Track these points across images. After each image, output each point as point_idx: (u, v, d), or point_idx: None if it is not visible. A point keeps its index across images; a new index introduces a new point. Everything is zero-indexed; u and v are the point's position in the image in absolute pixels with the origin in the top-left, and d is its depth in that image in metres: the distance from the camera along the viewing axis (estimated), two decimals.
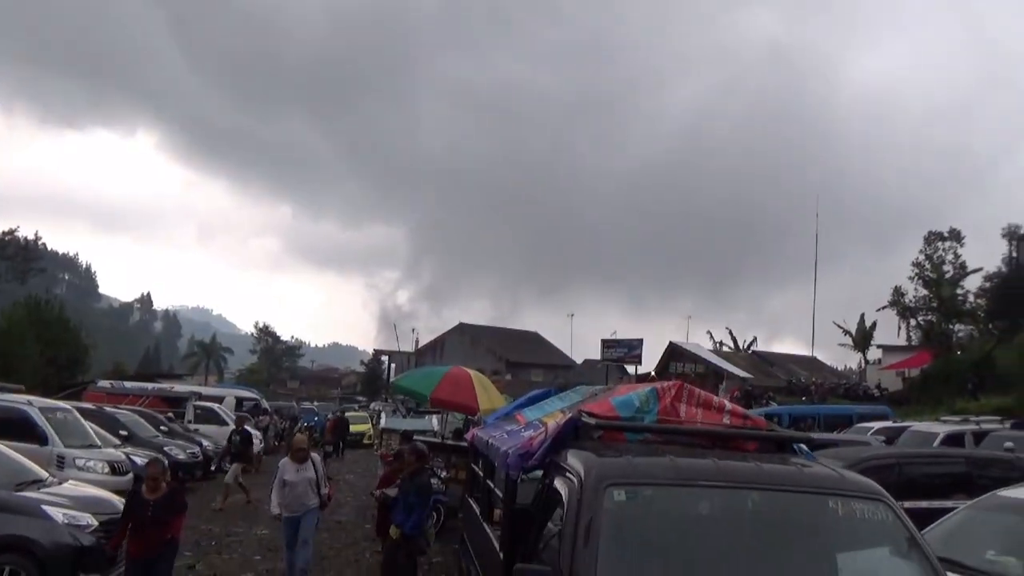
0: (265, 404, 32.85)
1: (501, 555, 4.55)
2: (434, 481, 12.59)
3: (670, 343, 50.72)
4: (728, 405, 4.44)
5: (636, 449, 3.90)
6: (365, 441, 33.73)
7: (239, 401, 29.45)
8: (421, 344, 73.20)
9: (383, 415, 28.24)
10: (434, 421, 18.99)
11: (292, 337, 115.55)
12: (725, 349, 56.72)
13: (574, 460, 3.75)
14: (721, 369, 45.57)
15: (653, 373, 48.29)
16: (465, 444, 13.44)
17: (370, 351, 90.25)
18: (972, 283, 46.11)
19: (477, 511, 6.44)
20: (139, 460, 14.01)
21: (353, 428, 33.87)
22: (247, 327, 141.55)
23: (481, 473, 6.69)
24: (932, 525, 6.34)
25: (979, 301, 46.04)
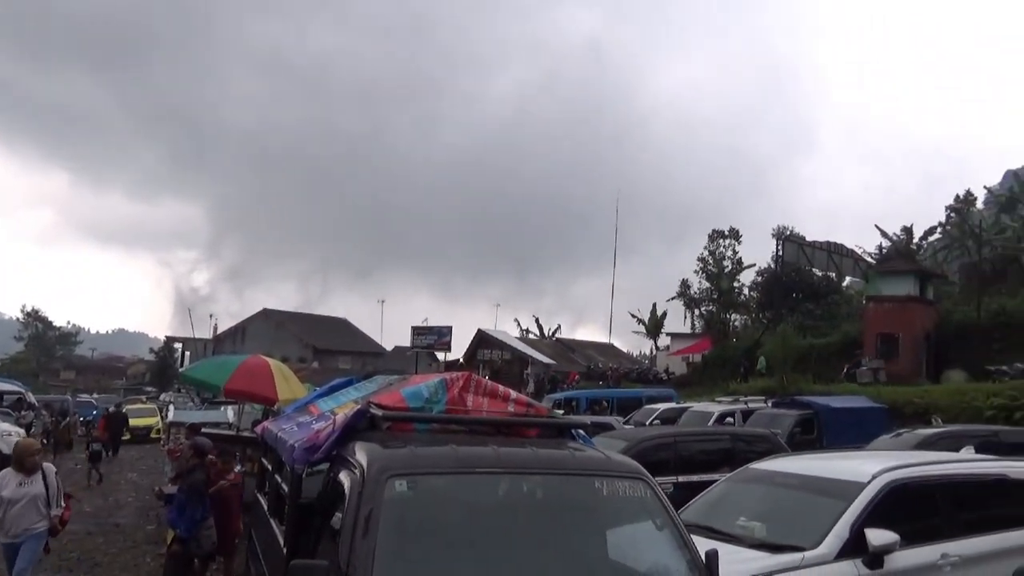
0: (31, 398, 29.34)
1: (285, 551, 4.43)
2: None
3: (478, 330, 51.89)
4: (512, 394, 4.61)
5: (421, 439, 3.95)
6: (153, 436, 31.37)
7: None
8: (220, 330, 69.15)
9: (171, 407, 26.28)
10: (230, 413, 18.03)
11: (68, 322, 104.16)
12: (531, 336, 58.98)
13: (359, 452, 3.73)
14: (526, 355, 47.28)
15: (462, 360, 49.14)
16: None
17: (162, 338, 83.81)
18: (747, 277, 51.53)
19: (265, 507, 6.22)
20: None
21: (139, 422, 31.39)
22: (11, 311, 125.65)
23: (270, 467, 6.47)
24: (698, 496, 7.02)
25: (752, 294, 51.50)
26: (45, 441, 25.23)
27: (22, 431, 22.16)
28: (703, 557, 3.71)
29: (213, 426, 14.48)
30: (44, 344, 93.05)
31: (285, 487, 5.03)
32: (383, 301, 78.36)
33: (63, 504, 7.05)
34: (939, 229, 46.61)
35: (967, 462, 7.10)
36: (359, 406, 4.32)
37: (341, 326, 74.83)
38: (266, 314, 69.32)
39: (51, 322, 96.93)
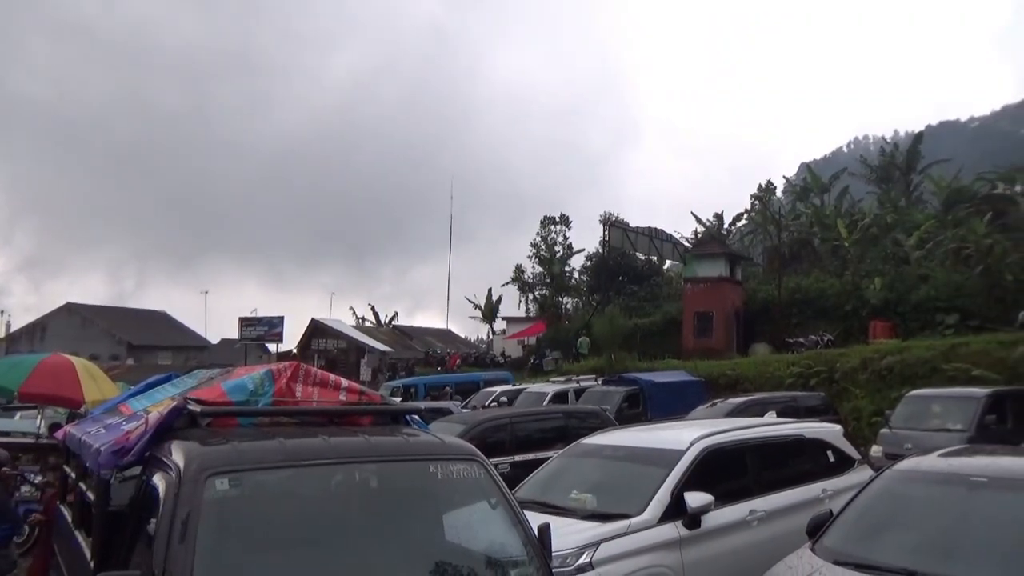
0: None
1: (92, 564, 4.05)
2: (26, 488, 10.82)
3: (312, 320, 50.30)
4: (344, 383, 4.47)
5: (246, 434, 3.74)
6: None
7: None
8: (14, 328, 62.18)
9: None
10: (39, 420, 16.23)
11: None
12: (368, 324, 58.01)
13: (175, 452, 3.46)
14: (363, 344, 46.47)
15: (295, 351, 47.43)
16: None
17: None
18: (577, 262, 53.65)
19: (69, 518, 5.66)
20: None
21: None
22: None
23: (73, 475, 5.89)
24: (533, 473, 7.21)
25: (582, 277, 53.68)
26: None
27: None
28: (536, 531, 3.80)
29: (4, 435, 12.98)
30: None
31: (91, 495, 4.60)
32: (207, 292, 74.06)
33: None
34: (745, 216, 51.02)
35: (770, 426, 7.81)
36: (175, 402, 4.02)
37: (159, 319, 69.64)
38: (70, 309, 63.08)
39: None
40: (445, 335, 57.75)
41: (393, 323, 60.57)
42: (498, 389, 23.68)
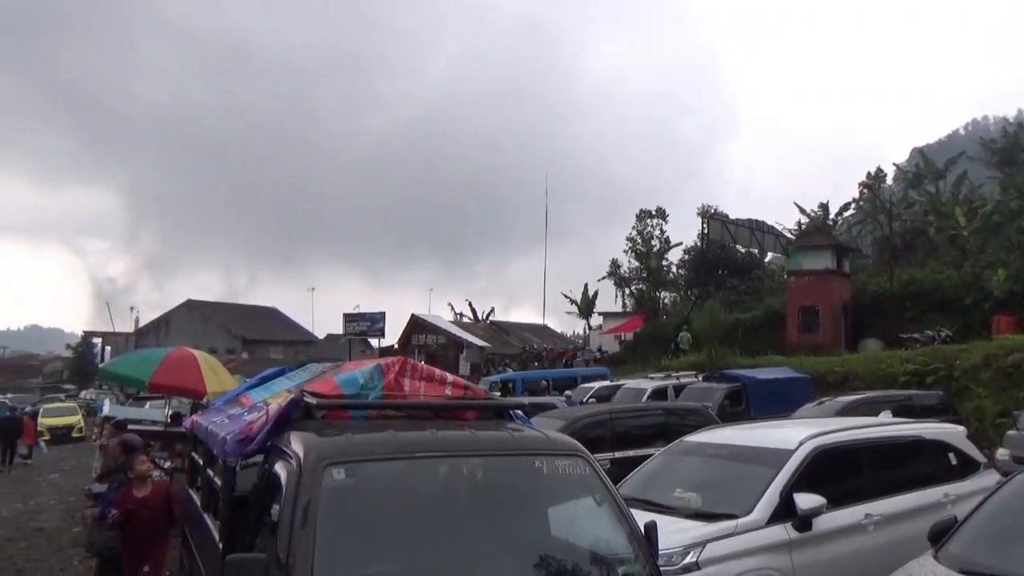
0: None
1: (220, 546, 4.31)
2: (156, 473, 11.60)
3: (412, 315, 51.50)
4: (450, 377, 4.59)
5: (358, 426, 3.89)
6: (75, 435, 30.15)
7: None
8: (142, 323, 66.66)
9: (107, 402, 25.06)
10: (167, 410, 17.39)
11: None
12: (465, 320, 58.88)
13: (295, 442, 3.64)
14: (462, 339, 47.23)
15: (396, 346, 48.74)
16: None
17: (79, 333, 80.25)
18: (675, 256, 52.60)
19: (198, 502, 6.04)
20: None
21: (58, 422, 30.12)
22: None
23: (201, 462, 6.28)
24: (635, 470, 7.16)
25: (680, 271, 52.63)
26: None
27: None
28: (642, 529, 3.78)
29: (137, 423, 13.96)
30: None
31: (218, 481, 4.90)
32: (313, 289, 76.93)
33: None
34: (853, 205, 48.60)
35: (885, 426, 7.45)
36: (293, 395, 4.23)
37: (270, 315, 73.10)
38: (190, 305, 67.12)
39: None
40: (541, 330, 57.95)
41: (490, 318, 61.27)
42: (595, 385, 23.59)
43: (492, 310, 63.80)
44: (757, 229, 37.99)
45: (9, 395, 47.76)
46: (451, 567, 3.44)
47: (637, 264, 52.53)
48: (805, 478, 5.82)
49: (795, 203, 48.24)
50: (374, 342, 50.90)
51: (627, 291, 53.60)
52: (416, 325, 50.61)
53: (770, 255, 46.05)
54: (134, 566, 6.31)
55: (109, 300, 69.78)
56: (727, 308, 37.29)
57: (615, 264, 53.31)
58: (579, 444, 4.01)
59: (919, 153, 52.09)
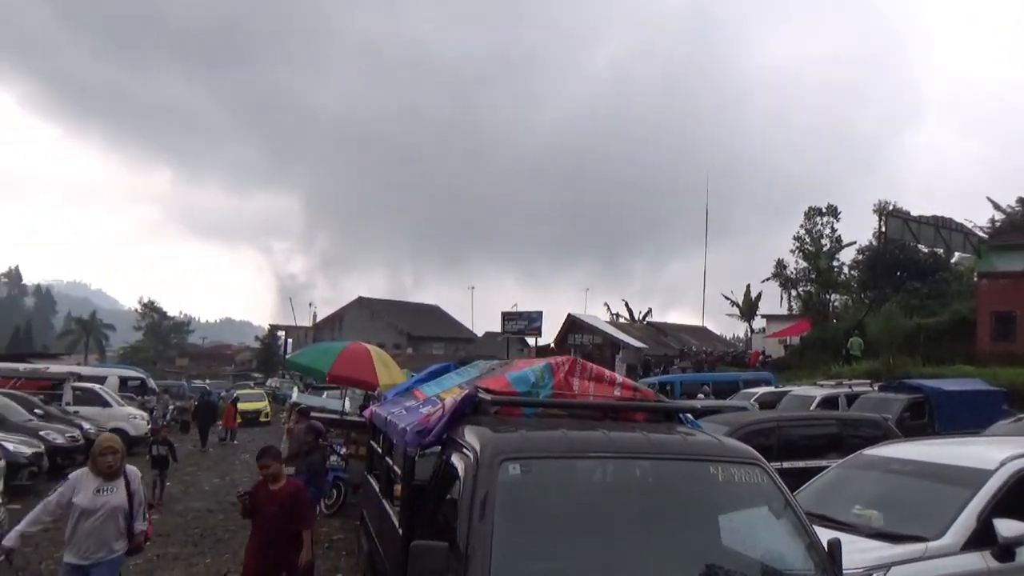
0: (152, 383, 31.38)
1: (400, 532, 4.57)
2: (333, 458, 12.46)
3: (569, 315, 51.82)
4: (619, 378, 4.59)
5: (531, 423, 3.99)
6: (262, 419, 33.04)
7: (123, 380, 28.02)
8: (319, 318, 71.76)
9: (295, 390, 27.27)
10: (346, 400, 18.70)
11: (180, 312, 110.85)
12: (622, 320, 58.45)
13: (470, 436, 3.80)
14: (617, 340, 46.91)
15: (553, 345, 49.24)
16: (365, 420, 13.37)
17: (265, 326, 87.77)
18: (847, 256, 49.37)
19: (377, 488, 6.43)
20: (10, 446, 13.17)
21: (248, 407, 33.05)
22: (130, 302, 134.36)
23: (380, 450, 6.67)
24: (807, 483, 6.81)
25: (853, 272, 49.32)
26: (165, 424, 26.83)
27: (146, 414, 23.78)
28: (825, 545, 3.60)
29: (319, 411, 15.06)
30: (160, 333, 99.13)
31: (397, 469, 5.19)
32: (473, 287, 79.31)
33: (147, 519, 5.76)
34: None
35: None
36: (467, 391, 4.40)
37: (433, 313, 76.29)
38: (361, 302, 71.44)
39: (165, 312, 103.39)
40: (701, 332, 56.38)
41: (647, 319, 60.43)
42: (759, 390, 22.65)
43: (649, 311, 62.95)
44: (943, 227, 34.89)
45: (208, 381, 53.13)
46: (620, 569, 3.45)
47: (805, 264, 49.84)
48: (1006, 502, 5.29)
49: (988, 198, 43.65)
50: (531, 341, 51.71)
51: (793, 293, 51.00)
52: (573, 324, 50.87)
53: (957, 255, 42.15)
54: (254, 561, 5.96)
55: (291, 296, 75.21)
56: (906, 313, 34.44)
57: (781, 264, 50.90)
58: (755, 452, 3.89)
59: None
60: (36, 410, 17.63)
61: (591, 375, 4.55)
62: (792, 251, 50.69)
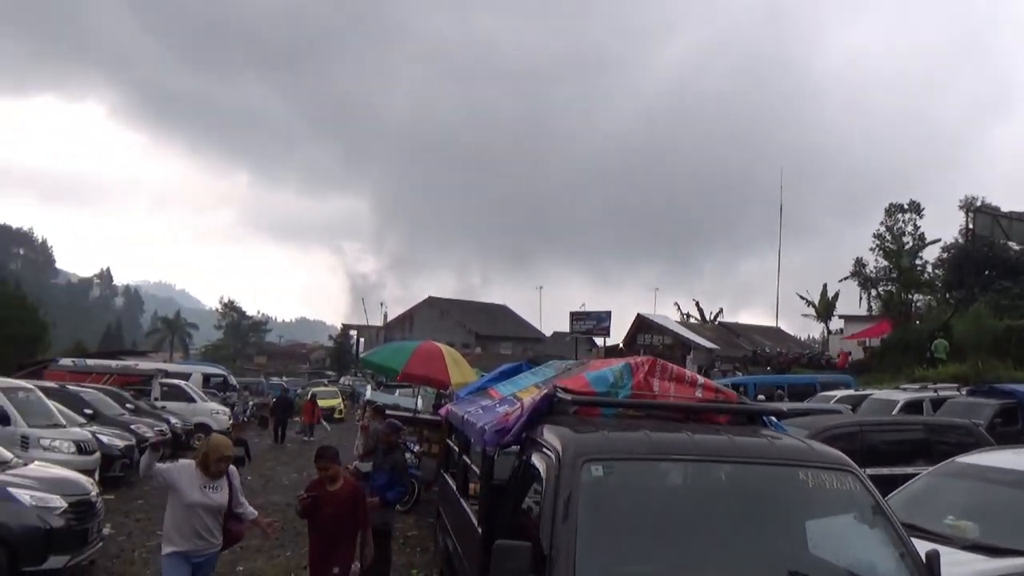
0: (233, 380, 32.58)
1: (480, 530, 4.60)
2: (407, 455, 12.65)
3: (638, 315, 51.24)
4: (700, 379, 4.51)
5: (611, 424, 3.95)
6: (336, 416, 33.85)
7: (206, 377, 29.16)
8: (390, 318, 73.05)
9: (368, 388, 27.83)
10: (418, 399, 19.01)
11: (258, 312, 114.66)
12: (692, 320, 57.48)
13: (551, 436, 3.79)
14: (688, 340, 46.16)
15: (622, 345, 48.79)
16: (438, 418, 13.52)
17: (338, 325, 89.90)
18: (931, 254, 47.28)
19: (453, 486, 6.48)
20: (104, 439, 13.85)
21: (323, 403, 33.93)
22: (211, 302, 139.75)
23: (456, 448, 6.73)
24: (895, 491, 6.54)
25: (937, 271, 47.19)
26: (246, 420, 27.77)
27: (228, 410, 24.69)
28: (922, 557, 3.45)
29: (392, 409, 15.31)
30: (239, 332, 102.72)
31: (475, 468, 5.22)
32: (541, 287, 79.25)
33: (254, 513, 6.03)
34: None
35: None
36: (545, 390, 4.39)
37: (501, 312, 76.65)
38: (431, 302, 72.38)
39: (244, 312, 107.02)
40: (774, 333, 54.93)
41: (718, 319, 59.27)
42: (837, 393, 21.94)
43: (720, 311, 61.69)
44: None
45: (285, 378, 54.81)
46: (705, 575, 3.39)
47: (885, 263, 47.96)
48: None
49: None
50: (599, 341, 51.38)
51: (873, 293, 49.16)
52: (642, 325, 50.29)
53: None
54: (318, 561, 5.97)
55: (363, 297, 76.69)
56: (997, 314, 32.76)
57: (860, 263, 49.11)
58: (847, 458, 3.75)
59: None
60: (127, 405, 18.53)
61: (671, 376, 4.49)
62: (872, 249, 48.86)
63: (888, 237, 48.20)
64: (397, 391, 22.11)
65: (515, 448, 4.46)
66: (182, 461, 5.73)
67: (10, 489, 7.34)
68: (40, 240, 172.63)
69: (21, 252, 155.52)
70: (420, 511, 11.78)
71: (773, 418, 4.48)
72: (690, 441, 3.63)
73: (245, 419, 28.23)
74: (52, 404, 13.41)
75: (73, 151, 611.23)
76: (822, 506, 3.75)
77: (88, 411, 15.47)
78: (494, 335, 67.68)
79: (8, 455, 8.45)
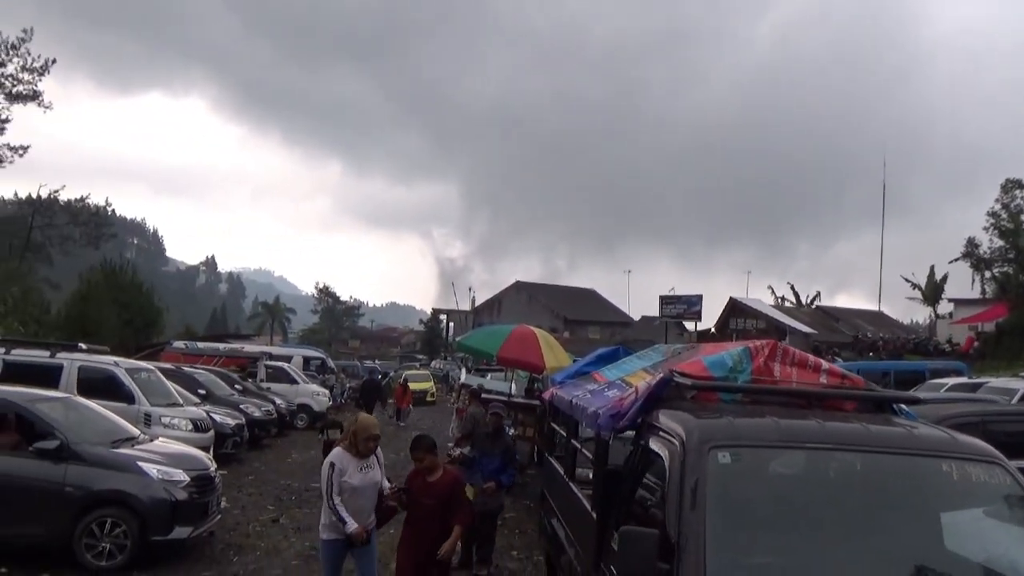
0: (331, 363, 33.71)
1: (594, 515, 4.56)
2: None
3: (731, 299, 50.04)
4: (825, 364, 4.32)
5: (733, 410, 3.83)
6: (428, 399, 34.51)
7: (306, 360, 30.26)
8: (478, 302, 73.83)
9: (463, 371, 28.20)
10: (512, 382, 19.16)
11: (351, 297, 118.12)
12: (787, 304, 55.68)
13: (670, 421, 3.70)
14: (783, 325, 44.75)
15: (713, 329, 47.74)
16: (533, 402, 13.56)
17: (427, 310, 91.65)
18: None
19: (560, 470, 6.47)
20: (217, 417, 14.58)
21: (416, 387, 34.65)
22: (308, 288, 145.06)
23: (564, 432, 6.71)
24: None
25: None
26: (343, 403, 28.67)
27: (327, 392, 25.56)
28: None
29: (495, 393, 15.42)
30: (334, 316, 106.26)
31: (586, 452, 5.18)
32: (629, 271, 78.30)
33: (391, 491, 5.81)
34: None
35: None
36: (662, 374, 4.30)
37: (589, 296, 76.25)
38: (518, 287, 72.73)
39: (338, 297, 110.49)
40: (877, 317, 52.54)
41: (815, 303, 57.17)
42: (949, 381, 20.77)
43: (818, 294, 59.56)
44: None
45: (377, 361, 56.37)
46: (837, 568, 3.24)
47: (1001, 243, 44.90)
48: None
49: None
50: (690, 325, 50.43)
51: (987, 275, 46.20)
52: (735, 308, 49.07)
53: None
54: (408, 553, 5.71)
55: (452, 281, 77.65)
56: None
57: (972, 243, 46.17)
58: (995, 450, 3.51)
59: None
60: (236, 386, 19.45)
61: (793, 360, 4.31)
62: (986, 228, 45.84)
63: (1004, 215, 45.07)
64: (489, 375, 22.31)
65: (630, 433, 4.39)
66: (334, 451, 5.70)
67: (140, 463, 7.81)
68: (152, 230, 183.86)
69: (135, 242, 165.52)
70: (515, 493, 11.85)
71: (904, 406, 4.25)
72: (821, 428, 3.47)
73: (343, 401, 29.17)
74: (170, 384, 14.21)
75: (179, 144, 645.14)
76: (966, 500, 3.53)
77: (201, 391, 16.32)
78: (582, 319, 67.40)
79: (136, 431, 8.99)
